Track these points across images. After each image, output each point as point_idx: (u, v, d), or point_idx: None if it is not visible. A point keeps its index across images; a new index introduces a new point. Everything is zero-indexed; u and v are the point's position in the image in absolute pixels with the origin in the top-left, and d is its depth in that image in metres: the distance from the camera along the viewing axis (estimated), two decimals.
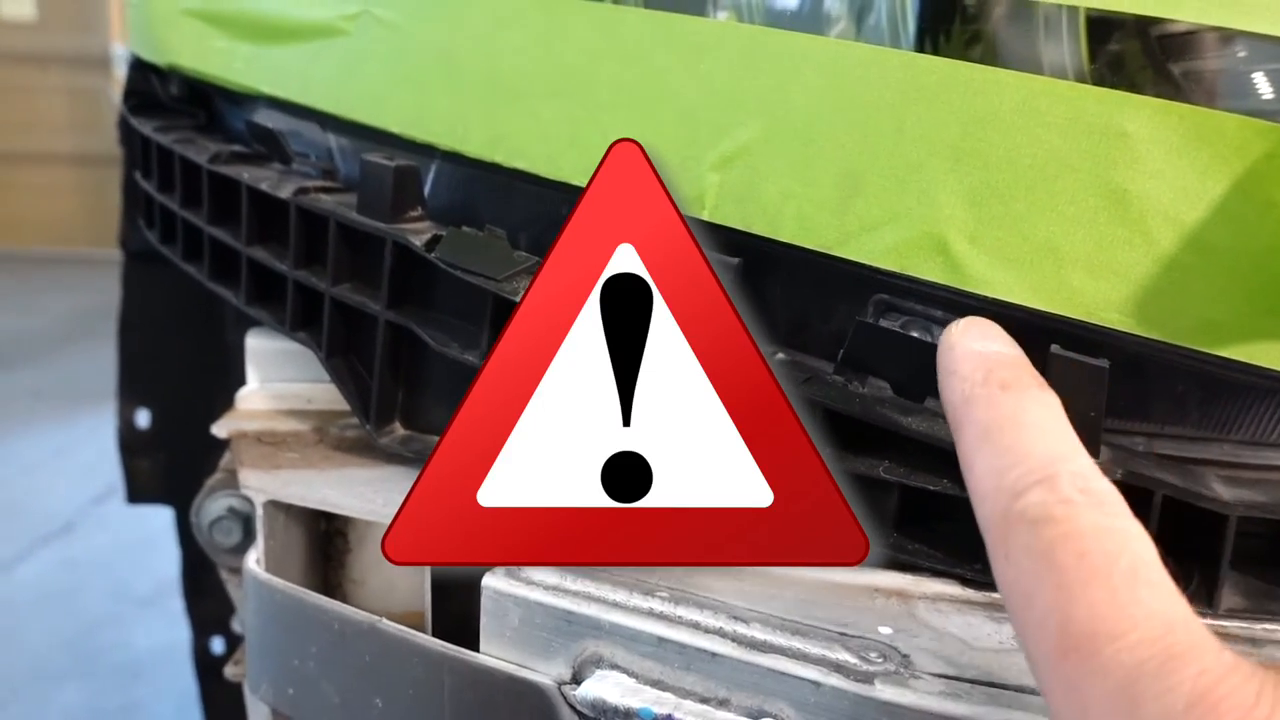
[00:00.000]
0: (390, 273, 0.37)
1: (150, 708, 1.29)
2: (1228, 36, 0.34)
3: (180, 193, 0.48)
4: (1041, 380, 0.21)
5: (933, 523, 0.30)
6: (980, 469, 0.19)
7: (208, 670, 0.74)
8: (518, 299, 0.33)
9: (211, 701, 0.74)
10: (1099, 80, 0.31)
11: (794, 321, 0.33)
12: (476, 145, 0.37)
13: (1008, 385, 0.21)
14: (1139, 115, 0.26)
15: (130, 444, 0.70)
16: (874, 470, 0.28)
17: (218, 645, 0.75)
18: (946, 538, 0.30)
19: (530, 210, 0.38)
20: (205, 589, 0.72)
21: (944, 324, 0.31)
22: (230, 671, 0.46)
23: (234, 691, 0.70)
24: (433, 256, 0.35)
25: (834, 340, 0.32)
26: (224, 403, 0.49)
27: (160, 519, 1.70)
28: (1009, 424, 0.20)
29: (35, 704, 1.27)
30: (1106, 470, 0.27)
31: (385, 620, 0.34)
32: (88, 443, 2.13)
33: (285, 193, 0.40)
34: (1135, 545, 0.18)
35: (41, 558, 1.67)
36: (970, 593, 0.30)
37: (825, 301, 0.32)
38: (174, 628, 1.43)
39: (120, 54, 4.50)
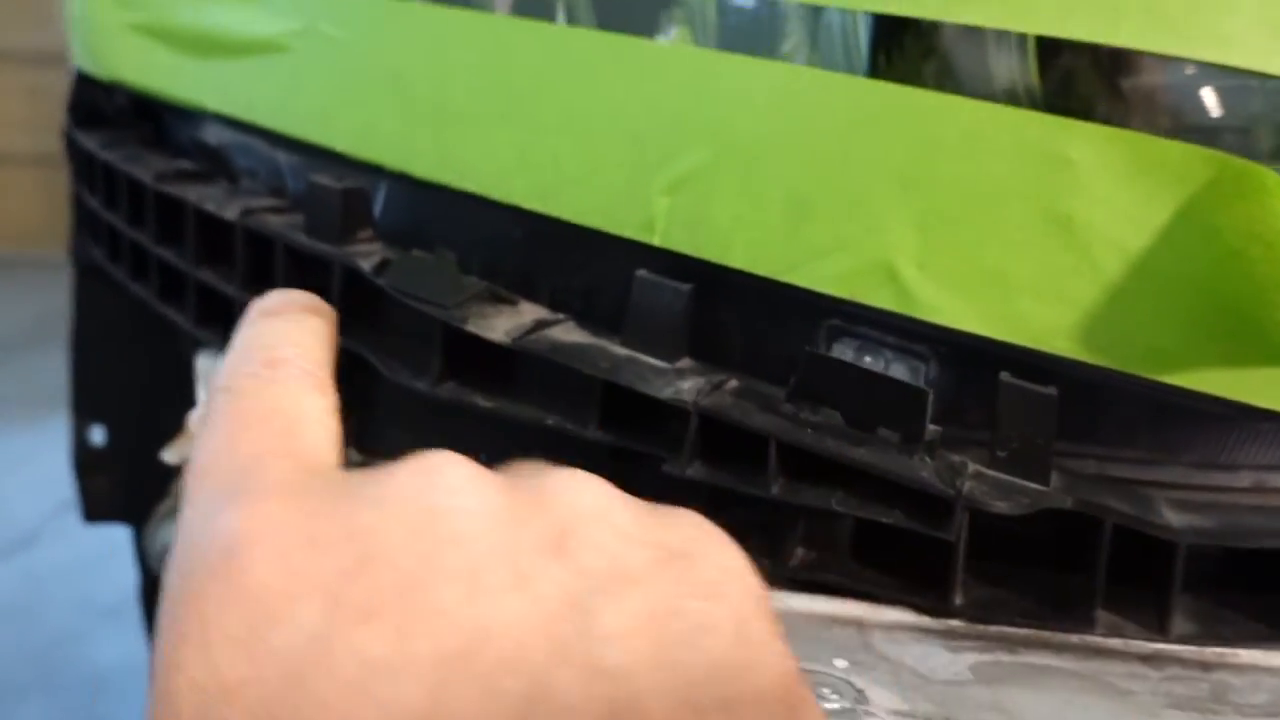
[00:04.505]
0: (340, 297, 0.36)
1: None
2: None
3: (126, 211, 0.46)
4: (314, 310, 0.26)
5: (886, 552, 0.30)
6: (219, 371, 0.22)
7: None
8: (466, 326, 0.32)
9: None
10: (1049, 97, 0.31)
11: (748, 347, 0.32)
12: (425, 166, 0.36)
13: (267, 313, 0.25)
14: (1083, 142, 0.26)
15: (85, 462, 0.69)
16: (826, 502, 0.28)
17: None
18: (901, 567, 0.30)
19: (482, 232, 0.37)
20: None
21: (897, 350, 0.31)
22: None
23: None
24: (381, 282, 0.34)
25: (788, 366, 0.31)
26: (180, 420, 0.48)
27: (123, 529, 1.67)
28: (247, 334, 0.24)
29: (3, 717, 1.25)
30: (1058, 499, 0.27)
31: None
32: (50, 451, 2.09)
33: (231, 213, 0.39)
34: (291, 399, 0.21)
35: (3, 570, 1.64)
36: (926, 620, 0.29)
37: (778, 327, 0.32)
38: (139, 640, 1.40)
39: None
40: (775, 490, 0.28)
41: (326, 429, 0.20)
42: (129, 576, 1.55)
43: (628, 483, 0.34)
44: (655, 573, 0.17)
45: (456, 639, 0.15)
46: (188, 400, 0.51)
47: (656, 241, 0.31)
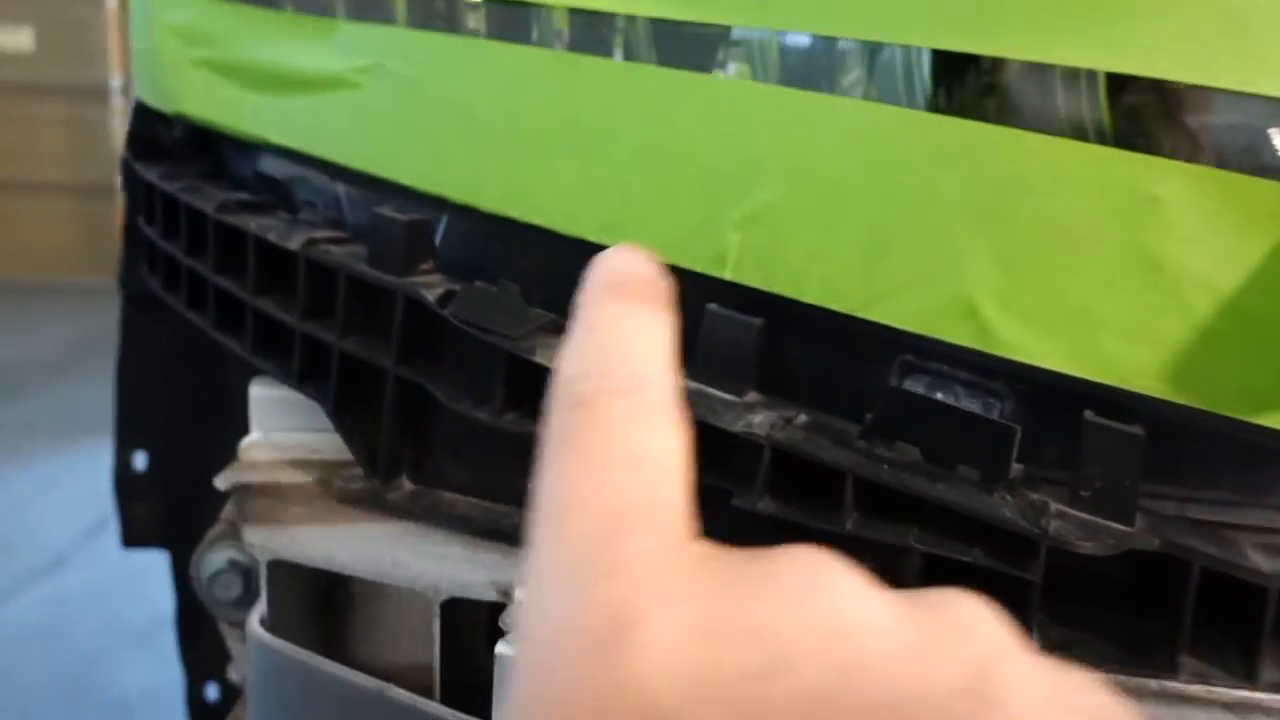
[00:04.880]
0: (401, 327, 0.36)
1: None
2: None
3: (185, 240, 0.47)
4: (663, 301, 0.20)
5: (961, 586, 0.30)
6: (563, 359, 0.18)
7: (201, 716, 0.73)
8: (534, 357, 0.32)
9: None
10: (1118, 134, 0.31)
11: (816, 381, 0.32)
12: (492, 200, 0.36)
13: (621, 295, 0.20)
14: (1171, 180, 0.26)
15: (126, 487, 0.69)
16: (904, 539, 0.27)
17: (212, 692, 0.73)
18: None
19: (544, 266, 0.37)
20: (200, 635, 0.71)
21: (969, 386, 0.30)
22: (234, 674, 0.45)
23: None
24: (447, 313, 0.34)
25: (857, 401, 0.31)
26: (223, 446, 0.48)
27: (150, 553, 1.68)
28: (604, 325, 0.19)
29: None
30: (1145, 540, 0.26)
31: (393, 687, 0.33)
32: (81, 475, 2.11)
33: (294, 244, 0.40)
34: (656, 439, 0.17)
35: (31, 594, 1.64)
36: None
37: (849, 362, 0.32)
38: (166, 666, 1.40)
39: (117, 85, 4.53)
40: (849, 525, 0.27)
41: (683, 480, 0.17)
42: (156, 601, 1.55)
43: (701, 518, 0.34)
44: None
45: None
46: (231, 428, 0.51)
47: (728, 276, 0.31)
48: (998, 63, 0.34)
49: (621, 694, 0.13)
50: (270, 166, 0.47)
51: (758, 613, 0.14)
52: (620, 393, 0.17)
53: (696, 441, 0.31)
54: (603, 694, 0.13)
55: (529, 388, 0.34)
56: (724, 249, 0.31)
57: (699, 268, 0.32)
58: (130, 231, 0.65)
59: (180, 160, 0.54)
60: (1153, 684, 0.28)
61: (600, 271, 0.20)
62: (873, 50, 0.35)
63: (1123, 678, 0.28)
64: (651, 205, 0.32)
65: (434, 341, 0.37)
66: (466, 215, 0.38)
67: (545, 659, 0.14)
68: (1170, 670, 0.27)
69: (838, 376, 0.32)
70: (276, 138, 0.44)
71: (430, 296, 0.35)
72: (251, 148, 0.51)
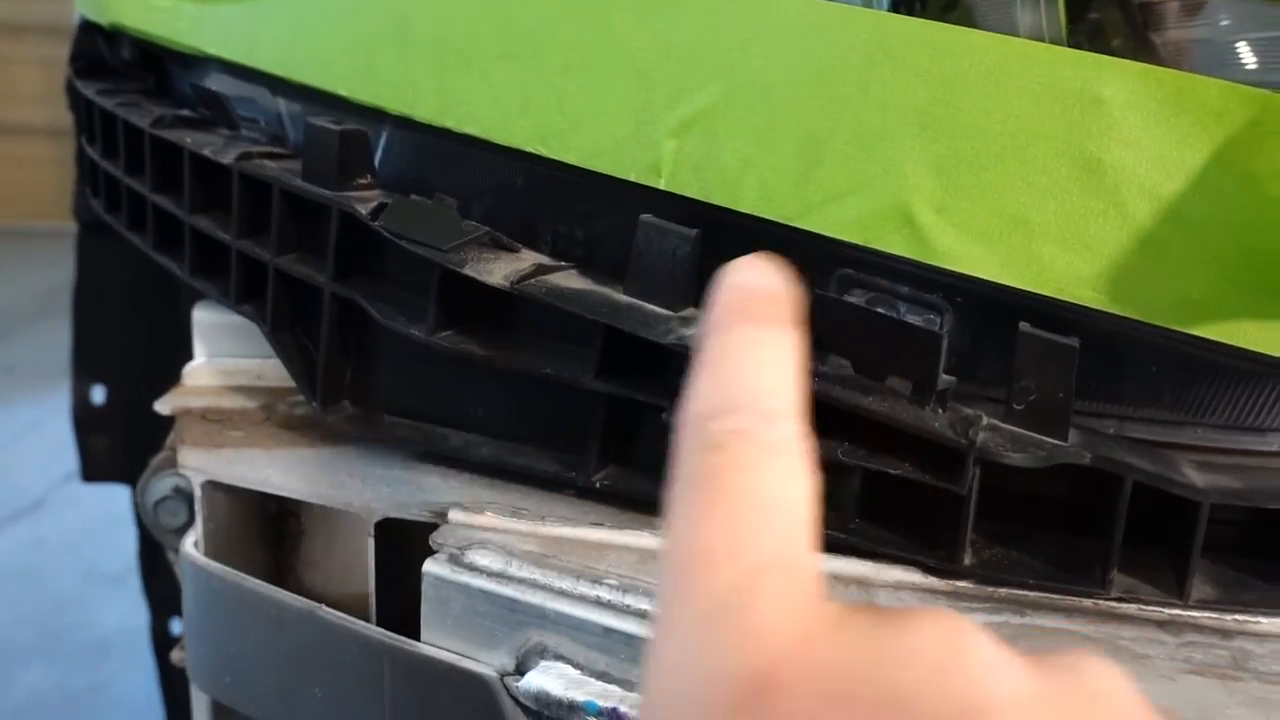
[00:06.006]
0: (336, 243, 0.35)
1: (117, 687, 1.27)
2: (1211, 4, 0.33)
3: (124, 159, 0.45)
4: (788, 320, 0.20)
5: (893, 508, 0.29)
6: (693, 394, 0.18)
7: (166, 652, 0.73)
8: (464, 270, 0.31)
9: (170, 684, 0.72)
10: (1078, 48, 0.29)
11: None
12: (427, 110, 0.35)
13: (749, 318, 0.19)
14: (1116, 80, 0.25)
15: (86, 421, 0.68)
16: (832, 453, 0.26)
17: (177, 627, 0.73)
18: (908, 523, 0.29)
19: (483, 179, 0.36)
20: (162, 570, 0.71)
21: (911, 300, 0.29)
22: (176, 657, 0.44)
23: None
24: (377, 225, 0.33)
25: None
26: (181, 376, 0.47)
27: (129, 497, 1.68)
28: (733, 354, 0.19)
29: (1, 683, 1.25)
30: (1076, 454, 0.26)
31: (324, 607, 0.32)
32: (60, 419, 2.10)
33: (228, 158, 0.38)
34: (787, 488, 0.17)
35: (9, 536, 1.64)
36: (933, 580, 0.28)
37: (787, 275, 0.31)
38: (142, 608, 1.41)
39: None
40: None
41: (813, 531, 0.17)
42: (134, 543, 1.55)
43: (633, 436, 0.33)
44: None
45: None
46: (188, 359, 0.50)
47: (663, 185, 0.30)
48: None
49: None
50: (211, 82, 0.46)
51: (896, 683, 0.14)
52: (751, 435, 0.17)
53: (629, 358, 0.30)
54: None
55: (465, 305, 0.33)
56: (659, 157, 0.30)
57: (633, 177, 0.31)
58: (79, 155, 0.63)
59: (124, 78, 0.52)
60: (1086, 602, 0.27)
61: (728, 291, 0.20)
62: None
63: (1056, 596, 0.28)
64: (585, 112, 0.31)
65: (371, 258, 0.36)
66: (406, 128, 0.37)
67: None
68: (1102, 588, 0.27)
69: None
70: (213, 49, 0.42)
71: (364, 210, 0.34)
72: (195, 64, 0.49)
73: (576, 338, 0.31)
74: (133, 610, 1.42)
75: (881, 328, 0.25)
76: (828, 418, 0.27)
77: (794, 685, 0.14)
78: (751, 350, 0.19)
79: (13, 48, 4.51)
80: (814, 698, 0.14)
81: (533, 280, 0.30)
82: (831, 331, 0.26)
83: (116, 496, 1.66)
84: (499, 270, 0.31)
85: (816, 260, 0.29)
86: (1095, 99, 0.25)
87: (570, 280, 0.32)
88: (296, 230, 0.37)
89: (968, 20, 0.32)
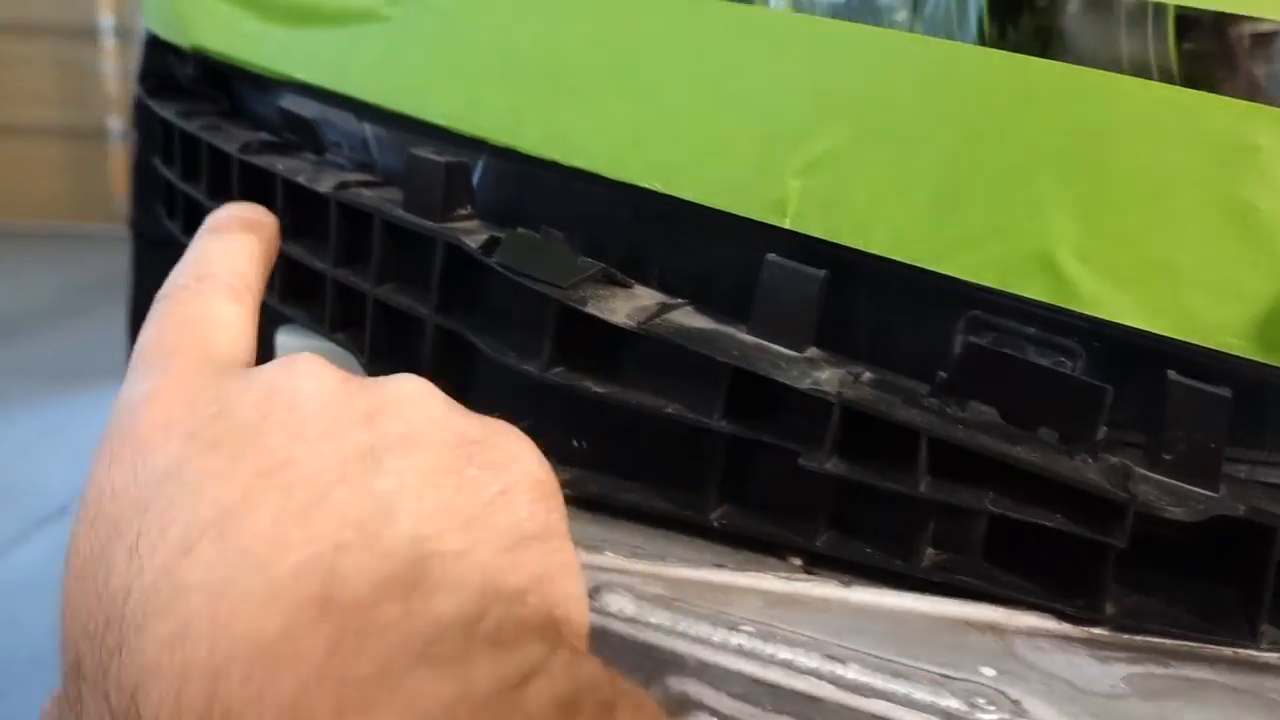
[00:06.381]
0: (441, 274, 0.35)
1: None
2: None
3: (206, 182, 0.45)
4: (251, 227, 0.32)
5: (1025, 552, 0.29)
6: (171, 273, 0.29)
7: None
8: (586, 308, 0.31)
9: None
10: (1187, 80, 0.29)
11: (877, 337, 0.31)
12: (532, 142, 0.35)
13: (216, 229, 0.31)
14: (1273, 128, 0.25)
15: None
16: (980, 502, 0.26)
17: None
18: (1040, 569, 0.29)
19: (587, 211, 0.36)
20: None
21: (1040, 343, 0.29)
22: None
23: None
24: (494, 261, 0.33)
25: (921, 358, 0.30)
26: None
27: None
28: (196, 246, 0.30)
29: (36, 693, 1.25)
30: (1230, 506, 0.25)
31: None
32: (81, 422, 2.10)
33: (325, 187, 0.38)
34: (206, 309, 0.27)
35: (38, 541, 1.64)
36: (1068, 628, 0.28)
37: (911, 316, 0.31)
38: None
39: (108, 25, 4.43)
40: (923, 488, 0.27)
41: (236, 330, 0.27)
42: None
43: (749, 475, 0.33)
44: (446, 447, 0.21)
45: (270, 461, 0.20)
46: None
47: (787, 224, 0.30)
48: (1055, 2, 0.33)
49: (128, 439, 0.22)
50: (290, 105, 0.46)
51: (224, 390, 0.22)
52: (185, 287, 0.28)
53: (751, 398, 0.30)
54: (123, 439, 0.22)
55: (577, 340, 0.33)
56: (784, 196, 0.30)
57: (756, 215, 0.30)
58: (141, 172, 0.63)
59: (197, 97, 0.52)
60: (1227, 651, 0.27)
61: (214, 215, 0.32)
62: None
63: (1199, 645, 0.28)
64: (705, 149, 0.31)
65: (473, 290, 0.36)
66: (504, 157, 0.37)
67: (106, 428, 0.23)
68: (1251, 639, 0.26)
69: (899, 332, 0.31)
70: (301, 74, 0.42)
71: (472, 244, 0.34)
72: (270, 85, 0.49)
73: (698, 376, 0.31)
74: None
75: (1041, 379, 0.25)
76: (968, 465, 0.27)
77: (156, 399, 0.22)
78: (206, 244, 0.30)
79: (25, 48, 4.52)
80: (168, 404, 0.22)
81: (658, 320, 0.30)
82: (981, 379, 0.26)
83: None
84: (621, 309, 0.31)
85: (944, 300, 0.29)
86: (1250, 146, 0.25)
87: (690, 319, 0.31)
88: (396, 260, 0.37)
89: (1063, 50, 0.32)
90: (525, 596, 0.19)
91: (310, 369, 0.22)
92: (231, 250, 0.30)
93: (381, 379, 0.23)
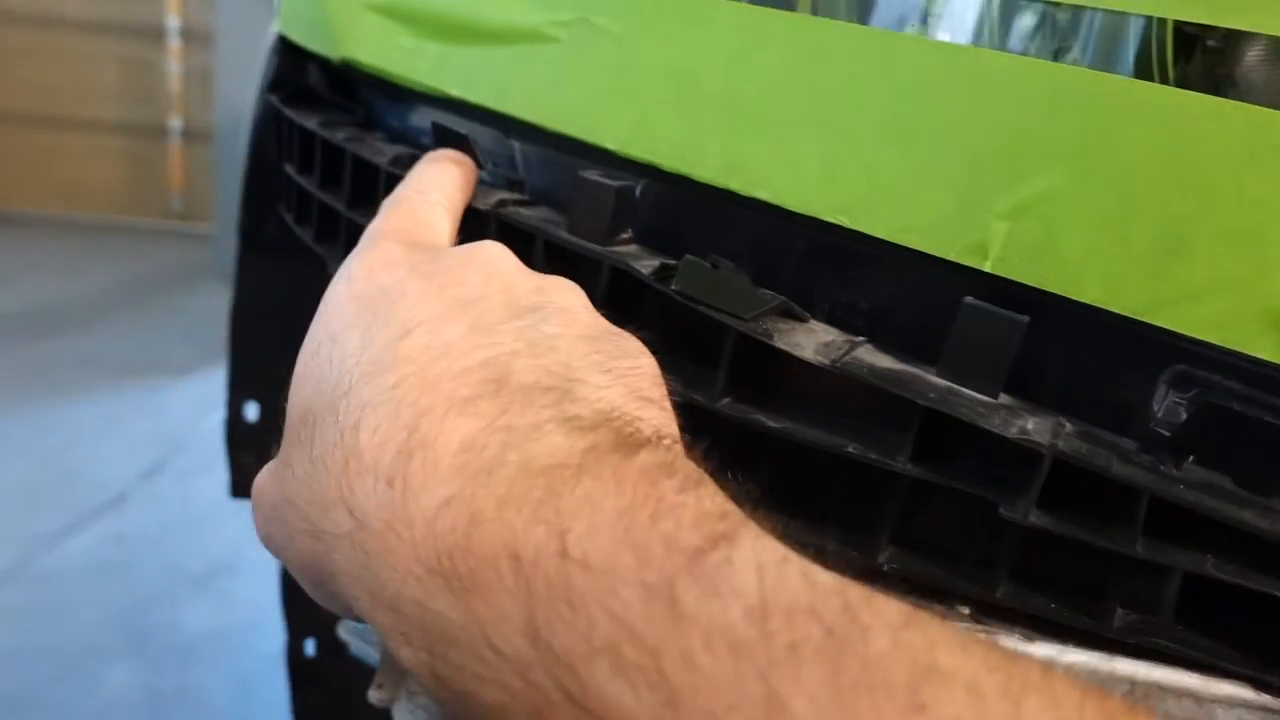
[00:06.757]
0: (605, 298, 0.35)
1: (204, 690, 1.28)
2: None
3: (348, 192, 0.46)
4: (457, 162, 0.38)
5: (1221, 616, 0.28)
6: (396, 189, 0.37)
7: (300, 672, 0.72)
8: (772, 342, 0.31)
9: (303, 703, 0.72)
10: None
11: (1070, 386, 0.30)
12: (709, 170, 0.34)
13: (432, 159, 0.38)
14: None
15: (238, 437, 0.69)
16: (1201, 566, 0.25)
17: (310, 648, 0.73)
18: (1237, 634, 0.28)
19: (756, 241, 0.35)
20: (302, 591, 0.71)
21: (1244, 399, 0.28)
22: (375, 696, 0.44)
23: (325, 695, 0.68)
24: (672, 289, 0.32)
25: (1114, 410, 0.29)
26: None
27: (210, 497, 1.69)
28: (417, 170, 0.37)
29: (89, 682, 1.26)
30: None
31: None
32: (136, 415, 2.13)
33: (483, 204, 0.38)
34: (427, 212, 0.35)
35: (92, 530, 1.66)
36: (1268, 699, 0.27)
37: (1110, 367, 0.30)
38: (227, 611, 1.42)
39: (174, 26, 4.53)
40: (1139, 548, 0.26)
41: (443, 234, 0.34)
42: (213, 546, 1.57)
43: (923, 519, 0.32)
44: (591, 326, 0.28)
45: (468, 295, 0.28)
46: None
47: (988, 268, 0.29)
48: (1232, 43, 0.32)
49: (344, 285, 0.30)
50: (428, 119, 0.46)
51: (411, 260, 0.30)
52: (408, 196, 0.35)
53: (940, 443, 0.29)
54: (344, 286, 0.29)
55: (750, 372, 0.32)
56: (986, 238, 0.29)
57: (953, 256, 0.30)
58: (258, 179, 0.64)
59: (332, 107, 0.52)
60: None
61: (434, 152, 0.39)
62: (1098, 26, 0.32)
63: None
64: (901, 187, 0.31)
65: (634, 315, 0.36)
66: (668, 183, 0.36)
67: (336, 278, 0.30)
68: None
69: (1092, 381, 0.30)
70: (457, 91, 0.42)
71: (642, 269, 0.34)
72: (407, 99, 0.49)
73: (874, 415, 0.31)
74: (217, 613, 1.43)
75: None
76: (1183, 526, 0.26)
77: (367, 264, 0.30)
78: (426, 167, 0.37)
79: (93, 45, 4.63)
80: (372, 268, 0.30)
81: (849, 357, 0.30)
82: (1213, 440, 0.25)
83: (195, 498, 1.68)
84: (806, 343, 0.31)
85: (1147, 352, 0.28)
86: None
87: (876, 357, 0.31)
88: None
89: (1244, 95, 0.31)
90: (643, 423, 0.24)
91: (498, 246, 0.31)
92: (443, 176, 0.37)
93: (542, 275, 0.31)
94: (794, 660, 0.16)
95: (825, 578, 0.18)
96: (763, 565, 0.18)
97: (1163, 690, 0.28)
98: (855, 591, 0.18)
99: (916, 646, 0.17)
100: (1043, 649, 0.29)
